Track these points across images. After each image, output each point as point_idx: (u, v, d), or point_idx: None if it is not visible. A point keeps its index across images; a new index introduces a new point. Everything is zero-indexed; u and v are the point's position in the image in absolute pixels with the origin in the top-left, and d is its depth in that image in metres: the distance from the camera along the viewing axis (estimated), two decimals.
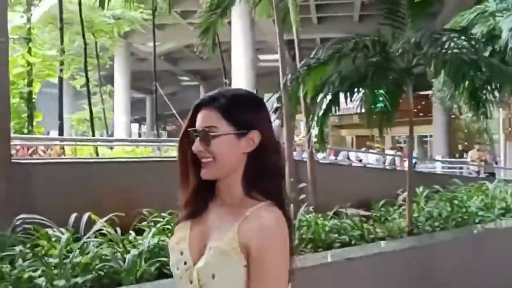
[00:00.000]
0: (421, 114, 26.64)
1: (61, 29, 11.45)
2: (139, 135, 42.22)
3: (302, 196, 5.03)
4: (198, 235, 1.25)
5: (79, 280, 2.95)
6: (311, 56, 5.19)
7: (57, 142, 9.55)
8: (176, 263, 1.24)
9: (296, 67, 6.20)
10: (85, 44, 10.83)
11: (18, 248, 3.27)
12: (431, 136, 27.52)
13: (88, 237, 3.42)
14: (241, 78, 20.93)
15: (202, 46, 7.00)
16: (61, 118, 11.56)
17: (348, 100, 5.20)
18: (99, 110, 17.04)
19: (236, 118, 1.22)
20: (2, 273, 2.88)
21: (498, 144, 20.23)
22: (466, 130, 30.61)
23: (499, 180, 7.94)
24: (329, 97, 5.25)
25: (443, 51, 4.23)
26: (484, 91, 5.29)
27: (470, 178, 10.06)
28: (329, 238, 4.23)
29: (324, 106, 5.35)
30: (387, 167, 11.92)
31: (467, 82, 4.82)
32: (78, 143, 9.87)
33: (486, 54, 6.65)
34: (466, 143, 29.97)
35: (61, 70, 11.55)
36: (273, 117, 9.34)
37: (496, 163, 15.96)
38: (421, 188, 6.84)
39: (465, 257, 4.43)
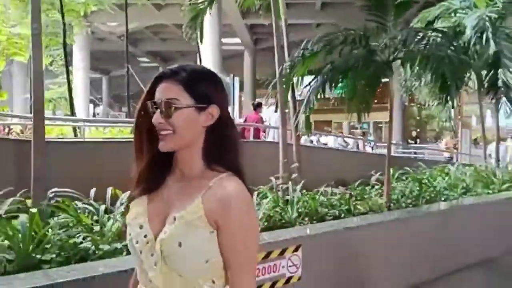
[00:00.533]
0: (375, 101, 27.88)
1: None
2: (93, 116, 41.41)
3: (294, 175, 5.51)
4: (157, 209, 1.26)
5: (118, 245, 3.31)
6: (302, 47, 5.65)
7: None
8: (135, 236, 1.24)
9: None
10: (64, 24, 10.76)
11: (55, 218, 3.58)
12: (386, 122, 28.72)
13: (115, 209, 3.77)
14: (208, 61, 21.22)
15: (191, 31, 7.30)
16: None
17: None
18: (64, 90, 16.89)
19: (197, 92, 1.23)
20: (49, 240, 3.19)
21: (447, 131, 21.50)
22: (418, 118, 32.17)
23: (458, 164, 8.73)
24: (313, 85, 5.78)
25: (427, 47, 4.79)
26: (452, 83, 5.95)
27: (431, 161, 10.87)
28: (321, 212, 4.74)
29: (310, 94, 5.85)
30: (351, 150, 12.62)
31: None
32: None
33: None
34: (418, 130, 31.51)
35: None
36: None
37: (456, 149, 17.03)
38: (391, 170, 7.48)
39: (436, 227, 5.09)
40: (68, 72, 10.87)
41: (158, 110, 1.21)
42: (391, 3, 5.29)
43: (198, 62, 14.08)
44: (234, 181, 1.22)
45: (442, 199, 6.16)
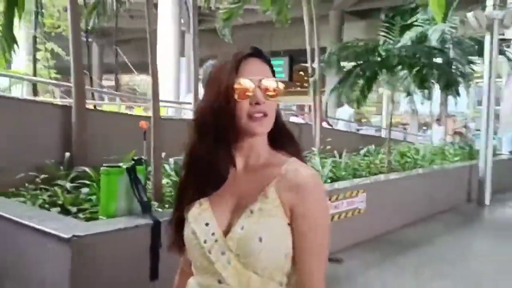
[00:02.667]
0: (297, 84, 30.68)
1: None
2: None
3: (328, 147, 7.54)
4: (222, 203, 1.15)
5: None
6: (328, 52, 7.65)
7: None
8: (202, 235, 1.12)
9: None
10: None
11: None
12: (308, 105, 31.45)
13: None
14: (169, 40, 22.69)
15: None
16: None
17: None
18: (40, 67, 17.52)
19: (274, 75, 1.17)
20: None
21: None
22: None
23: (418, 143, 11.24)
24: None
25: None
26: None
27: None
28: (356, 172, 6.81)
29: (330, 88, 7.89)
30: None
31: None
32: None
33: None
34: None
35: None
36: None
37: None
38: (373, 146, 9.72)
39: (421, 184, 7.37)
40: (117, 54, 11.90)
41: (259, 89, 1.10)
42: (398, 25, 7.44)
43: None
44: (304, 166, 1.15)
45: (418, 166, 8.49)
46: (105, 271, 3.01)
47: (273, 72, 1.17)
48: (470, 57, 10.40)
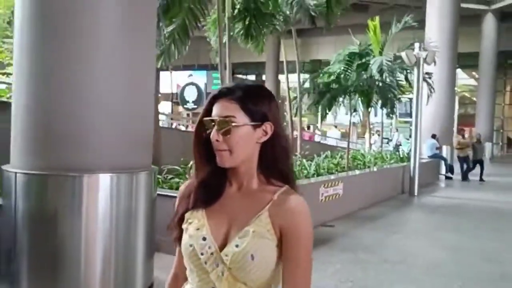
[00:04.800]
0: None
1: None
2: None
3: (307, 152, 10.08)
4: (219, 221, 1.31)
5: None
6: (305, 82, 10.26)
7: None
8: (200, 248, 1.28)
9: None
10: None
11: None
12: None
13: None
14: None
15: None
16: None
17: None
18: None
19: (252, 110, 1.27)
20: None
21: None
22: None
23: (362, 150, 14.16)
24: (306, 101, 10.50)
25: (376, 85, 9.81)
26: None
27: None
28: (328, 169, 9.40)
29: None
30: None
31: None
32: None
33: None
34: None
35: None
36: None
37: None
38: (328, 152, 12.43)
39: (370, 179, 10.13)
40: None
41: (215, 128, 1.26)
42: (355, 63, 10.22)
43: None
44: (295, 194, 1.31)
45: (367, 166, 11.28)
46: None
47: (245, 108, 1.26)
48: (400, 81, 13.44)
